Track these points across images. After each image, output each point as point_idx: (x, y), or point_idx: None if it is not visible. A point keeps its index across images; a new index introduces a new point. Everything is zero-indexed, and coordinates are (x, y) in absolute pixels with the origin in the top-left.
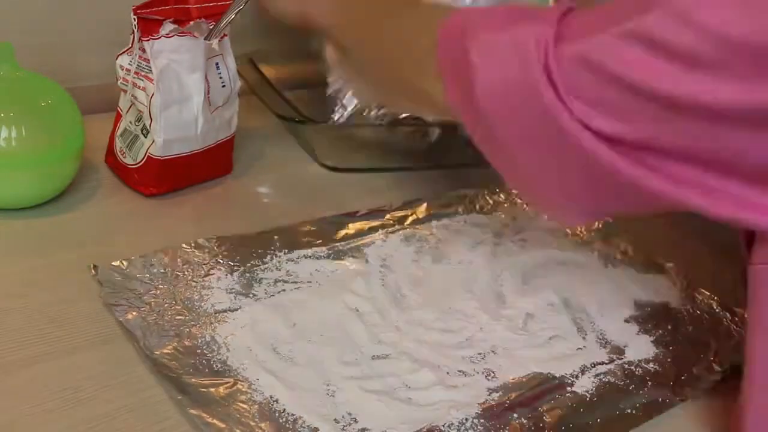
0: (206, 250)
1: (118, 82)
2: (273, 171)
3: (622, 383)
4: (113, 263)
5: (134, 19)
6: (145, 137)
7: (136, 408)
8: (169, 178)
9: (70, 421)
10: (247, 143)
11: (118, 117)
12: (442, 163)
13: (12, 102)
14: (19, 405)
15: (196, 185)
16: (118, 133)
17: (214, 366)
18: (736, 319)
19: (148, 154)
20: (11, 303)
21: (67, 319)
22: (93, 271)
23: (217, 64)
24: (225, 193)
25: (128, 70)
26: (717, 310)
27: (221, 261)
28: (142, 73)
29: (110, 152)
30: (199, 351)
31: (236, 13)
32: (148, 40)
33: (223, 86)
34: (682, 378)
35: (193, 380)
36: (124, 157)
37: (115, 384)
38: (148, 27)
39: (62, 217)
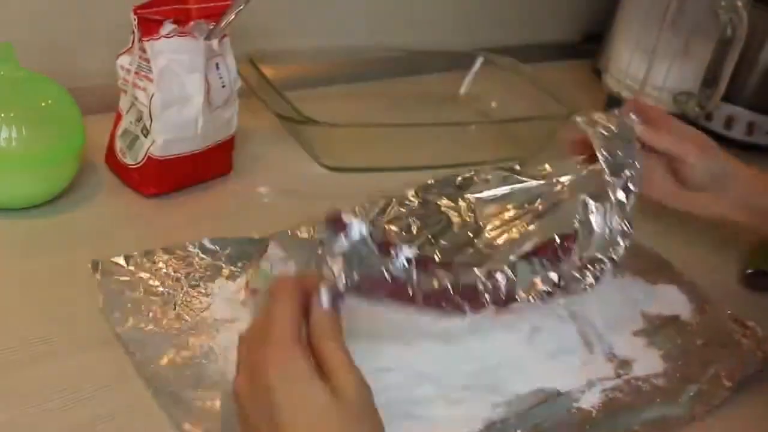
0: (209, 252)
1: (119, 83)
2: (273, 171)
3: (629, 399)
4: (113, 259)
5: (134, 19)
6: (146, 137)
7: (135, 408)
8: (169, 178)
9: (70, 421)
10: (247, 143)
11: (119, 117)
12: (444, 164)
13: (12, 102)
14: (19, 405)
15: (196, 185)
16: (119, 133)
17: (213, 377)
18: (747, 332)
19: (148, 154)
20: (11, 303)
21: (67, 319)
22: (93, 270)
23: (217, 64)
24: (225, 193)
25: (128, 70)
26: (727, 324)
27: (223, 266)
28: (143, 73)
29: (110, 152)
30: (197, 361)
31: (236, 13)
32: (148, 40)
33: (223, 86)
34: (691, 394)
35: (190, 393)
36: (125, 157)
37: (115, 384)
38: (148, 27)
39: (62, 217)
